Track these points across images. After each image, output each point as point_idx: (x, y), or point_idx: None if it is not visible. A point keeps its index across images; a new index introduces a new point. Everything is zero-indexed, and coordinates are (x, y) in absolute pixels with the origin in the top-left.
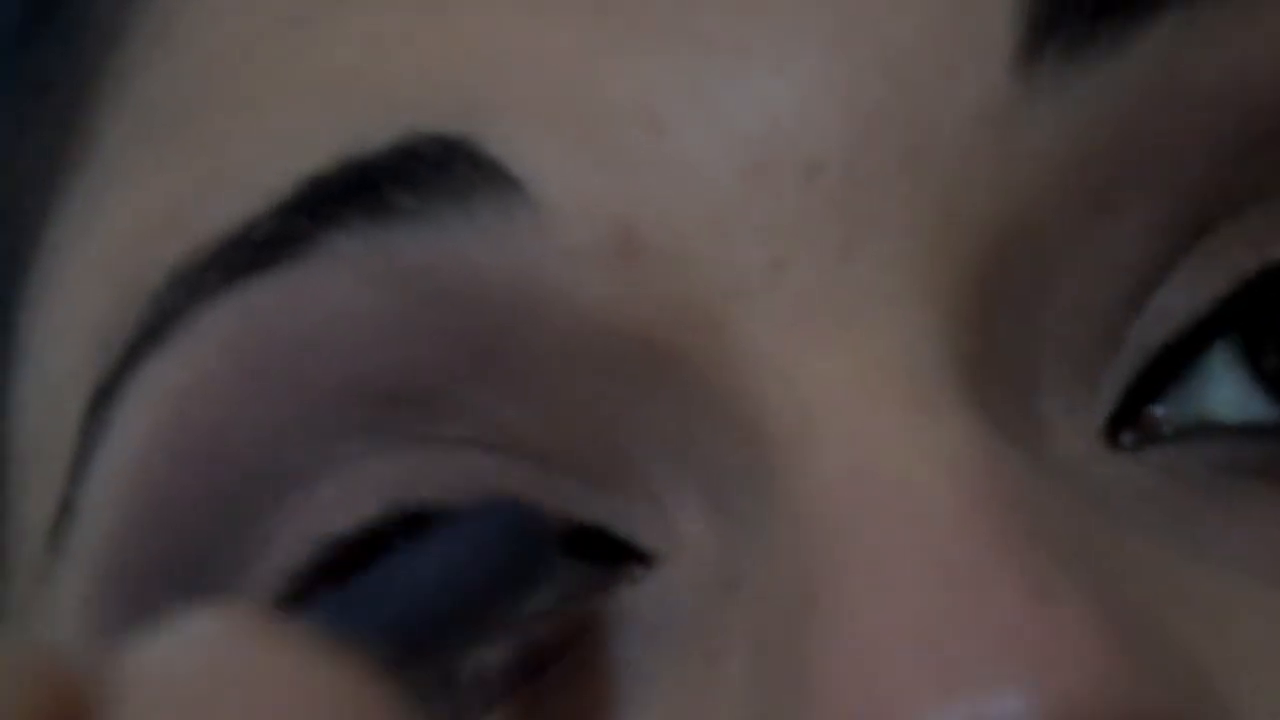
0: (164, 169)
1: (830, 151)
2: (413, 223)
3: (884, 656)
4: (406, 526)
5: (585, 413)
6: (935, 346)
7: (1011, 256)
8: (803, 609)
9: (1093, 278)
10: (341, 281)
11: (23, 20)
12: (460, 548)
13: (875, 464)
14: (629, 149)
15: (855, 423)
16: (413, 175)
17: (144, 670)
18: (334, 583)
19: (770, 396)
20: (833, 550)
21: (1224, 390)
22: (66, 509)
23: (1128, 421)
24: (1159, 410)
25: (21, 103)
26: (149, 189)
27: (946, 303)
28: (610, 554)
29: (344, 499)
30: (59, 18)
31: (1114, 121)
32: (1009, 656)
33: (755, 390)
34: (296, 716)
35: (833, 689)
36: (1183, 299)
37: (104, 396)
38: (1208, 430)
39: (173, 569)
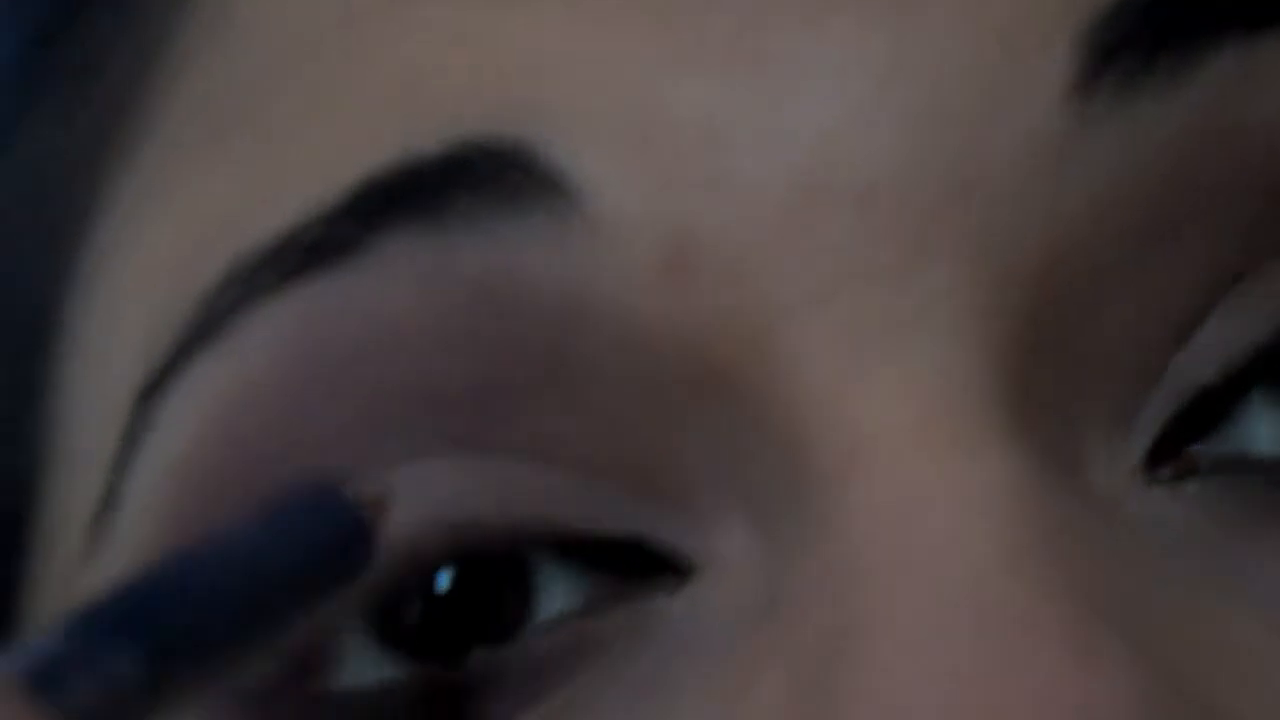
0: (220, 167)
1: (884, 178)
2: (467, 229)
3: (915, 712)
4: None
5: (633, 424)
6: (982, 380)
7: (1059, 290)
8: (837, 649)
9: (1136, 313)
10: (395, 286)
11: (65, 6)
12: (270, 532)
13: (918, 507)
14: (686, 164)
15: (900, 460)
16: (469, 181)
17: None
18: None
19: (817, 424)
20: (872, 594)
21: (1263, 431)
22: (109, 501)
23: (1165, 459)
24: (1197, 449)
25: (67, 89)
26: (204, 187)
27: (994, 335)
28: (645, 569)
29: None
30: (107, 4)
31: (1168, 156)
32: (1046, 717)
33: (802, 416)
34: None
35: None
36: (1224, 339)
37: (151, 393)
38: (1245, 465)
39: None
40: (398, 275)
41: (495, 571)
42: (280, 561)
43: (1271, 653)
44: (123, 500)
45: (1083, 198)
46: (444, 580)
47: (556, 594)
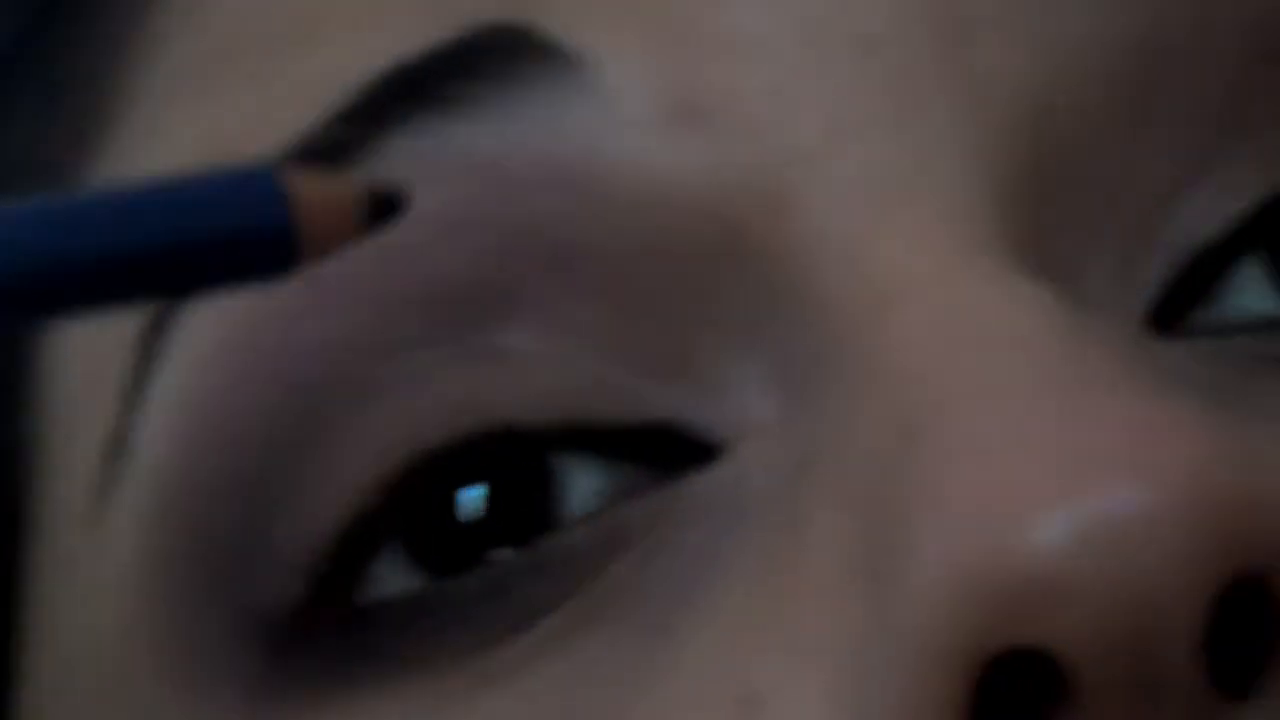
0: (214, 102)
1: (884, 24)
2: (475, 114)
3: (1003, 456)
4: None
5: (652, 301)
6: (993, 215)
7: (1055, 136)
8: (907, 442)
9: (1134, 166)
10: (406, 183)
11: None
12: (180, 196)
13: (965, 310)
14: (684, 24)
15: (932, 285)
16: (472, 66)
17: None
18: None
19: (839, 271)
20: (928, 387)
21: (1249, 289)
22: (118, 447)
23: (1166, 322)
24: (1195, 315)
25: (48, 74)
26: (199, 122)
27: (996, 176)
28: (674, 454)
29: (411, 413)
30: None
31: (1152, 8)
32: (1133, 444)
33: (824, 266)
34: None
35: (950, 494)
36: (1220, 200)
37: (156, 328)
38: (1234, 325)
39: (236, 490)
40: (409, 171)
41: (519, 475)
42: (174, 228)
43: None
44: (133, 441)
45: (1074, 40)
46: (467, 496)
47: (583, 490)
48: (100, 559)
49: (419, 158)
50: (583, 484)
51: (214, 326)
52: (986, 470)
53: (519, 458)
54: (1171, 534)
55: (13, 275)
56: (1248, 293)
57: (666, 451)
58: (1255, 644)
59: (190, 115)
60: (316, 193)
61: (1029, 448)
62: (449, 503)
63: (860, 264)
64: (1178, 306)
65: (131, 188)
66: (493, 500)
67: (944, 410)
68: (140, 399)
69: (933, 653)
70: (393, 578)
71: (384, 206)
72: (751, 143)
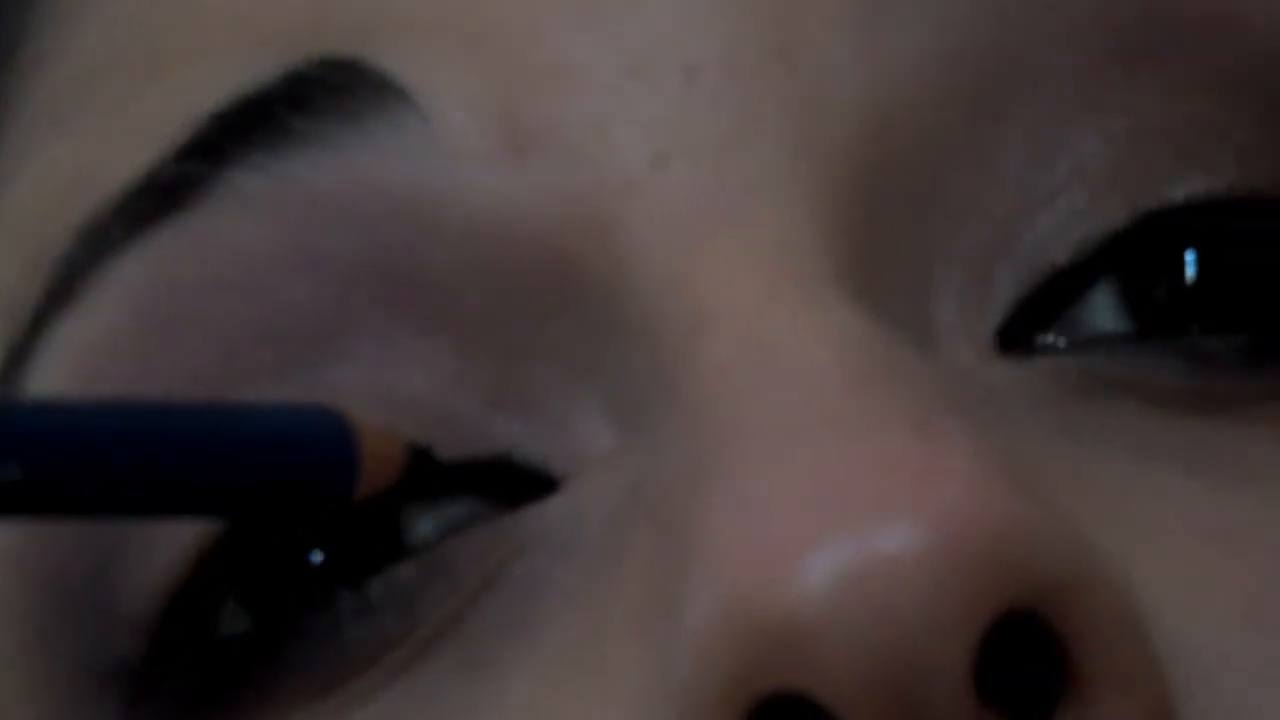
0: (68, 137)
1: (707, 52)
2: (309, 148)
3: (767, 504)
4: None
5: (489, 332)
6: (823, 249)
7: (891, 155)
8: (693, 481)
9: (980, 184)
10: (244, 219)
11: None
12: (248, 423)
13: (765, 344)
14: (513, 57)
15: (744, 312)
16: (306, 99)
17: None
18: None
19: (661, 298)
20: (721, 421)
21: (1104, 319)
22: None
23: (1016, 340)
24: (1048, 337)
25: None
26: (55, 157)
27: (825, 199)
28: (514, 487)
29: None
30: None
31: (982, 19)
32: (889, 487)
33: (647, 293)
34: None
35: (717, 543)
36: (1073, 223)
37: (16, 361)
38: (1090, 341)
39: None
40: (246, 208)
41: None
42: (236, 456)
43: (1132, 481)
44: None
45: (899, 60)
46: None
47: (428, 520)
48: None
49: (258, 192)
50: (427, 516)
51: (70, 364)
52: (755, 514)
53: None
54: (926, 577)
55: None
56: (1100, 312)
57: (505, 485)
58: (1043, 680)
59: (53, 145)
60: (374, 440)
61: (795, 490)
62: (293, 544)
63: (678, 291)
64: (1030, 328)
65: (208, 406)
66: (339, 537)
67: (728, 449)
68: None
69: (696, 695)
70: (237, 623)
71: (421, 464)
72: (577, 172)
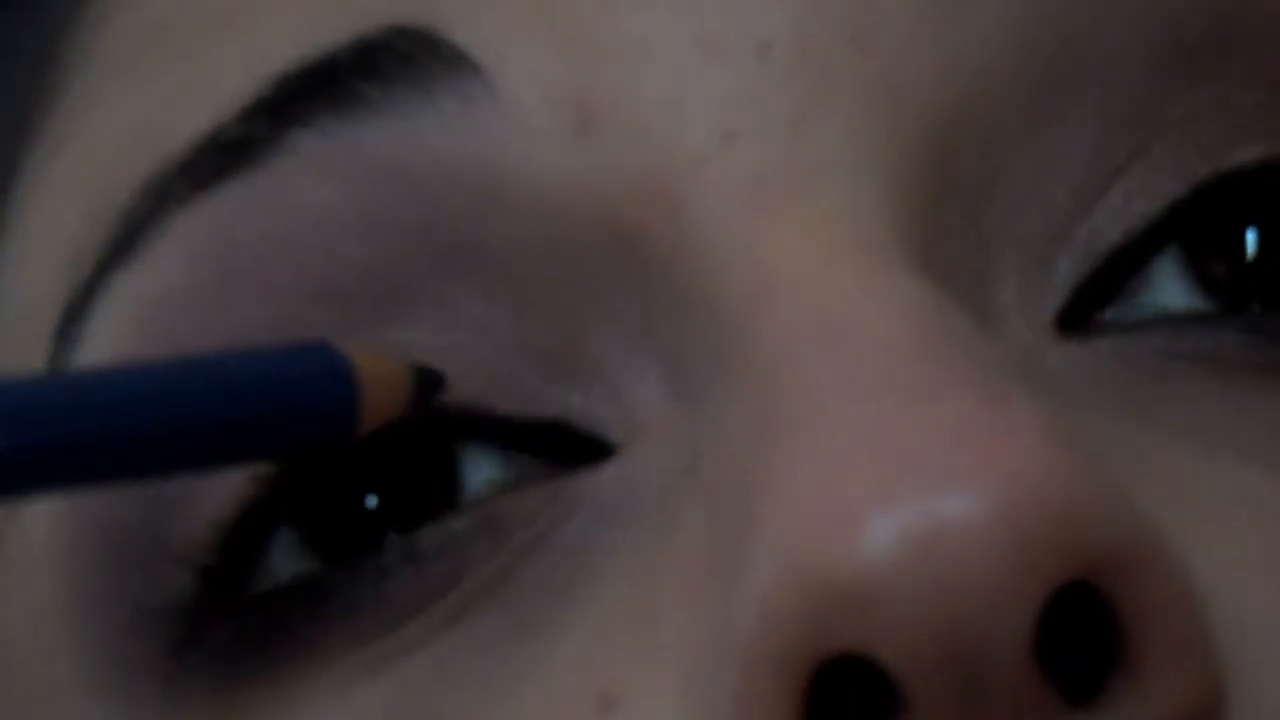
0: (135, 91)
1: (780, 29)
2: (376, 115)
3: (836, 462)
4: None
5: (549, 301)
6: (883, 218)
7: (958, 141)
8: (758, 439)
9: (1043, 171)
10: (307, 180)
11: None
12: (237, 370)
13: (831, 309)
14: (585, 31)
15: (809, 279)
16: (374, 67)
17: None
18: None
19: (726, 268)
20: (787, 382)
21: (1168, 297)
22: None
23: (1077, 322)
24: (1107, 314)
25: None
26: (121, 110)
27: (893, 180)
28: (571, 450)
29: None
30: None
31: (1059, 9)
32: (959, 453)
33: (711, 264)
34: None
35: (784, 499)
36: (1132, 201)
37: (75, 313)
38: (1153, 321)
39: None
40: (310, 169)
41: (422, 462)
42: (229, 403)
43: (1193, 469)
44: None
45: (975, 49)
46: (372, 501)
47: (483, 477)
48: (11, 563)
49: (322, 155)
50: (483, 473)
51: (128, 319)
52: (823, 470)
53: (421, 443)
54: (993, 545)
55: (88, 437)
56: (1164, 290)
57: (562, 448)
58: (1096, 651)
59: (118, 99)
60: (373, 370)
61: (864, 451)
62: (349, 488)
63: (744, 261)
64: (1091, 306)
65: (195, 360)
66: (396, 486)
67: (795, 411)
68: None
69: (758, 654)
70: (287, 565)
71: (428, 385)
72: (646, 149)
